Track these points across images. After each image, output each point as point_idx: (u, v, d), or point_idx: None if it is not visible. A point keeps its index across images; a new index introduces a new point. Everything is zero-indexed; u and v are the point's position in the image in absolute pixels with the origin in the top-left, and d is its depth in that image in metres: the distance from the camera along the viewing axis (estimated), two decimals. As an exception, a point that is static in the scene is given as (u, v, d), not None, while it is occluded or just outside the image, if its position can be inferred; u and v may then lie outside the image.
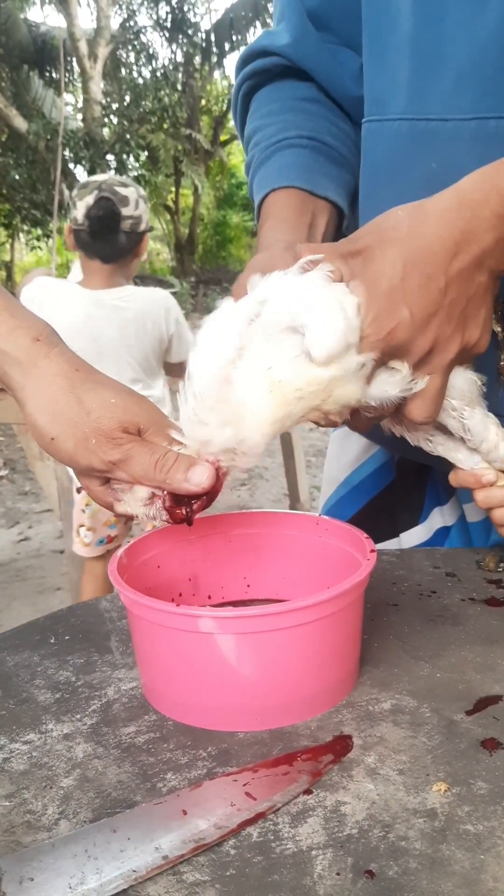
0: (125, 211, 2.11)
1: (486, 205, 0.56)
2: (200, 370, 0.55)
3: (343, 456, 0.96)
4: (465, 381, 0.62)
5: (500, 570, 0.78)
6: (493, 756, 0.50)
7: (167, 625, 0.54)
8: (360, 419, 0.61)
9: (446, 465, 0.67)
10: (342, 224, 0.82)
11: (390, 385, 0.57)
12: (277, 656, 0.54)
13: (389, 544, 0.91)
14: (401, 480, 0.91)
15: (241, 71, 0.88)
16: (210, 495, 0.59)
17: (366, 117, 0.77)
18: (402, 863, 0.42)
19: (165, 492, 0.59)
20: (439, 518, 0.89)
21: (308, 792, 0.48)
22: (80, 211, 2.11)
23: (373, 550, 0.60)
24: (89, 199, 2.09)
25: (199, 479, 0.56)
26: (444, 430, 0.65)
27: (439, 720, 0.54)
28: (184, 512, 0.59)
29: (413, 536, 0.90)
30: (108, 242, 2.10)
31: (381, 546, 0.90)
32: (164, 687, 0.57)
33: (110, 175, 2.27)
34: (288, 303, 0.54)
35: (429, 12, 0.69)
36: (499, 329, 0.65)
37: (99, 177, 2.20)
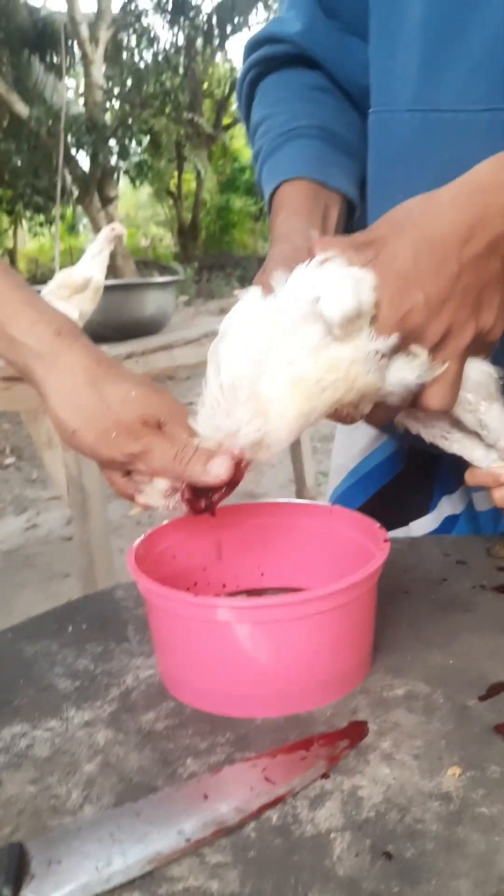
0: None
1: (500, 192, 0.56)
2: (229, 361, 0.55)
3: (351, 445, 0.97)
4: (480, 374, 0.62)
5: (511, 557, 0.79)
6: (506, 741, 0.51)
7: (185, 614, 0.55)
8: (378, 412, 0.61)
9: (456, 456, 0.68)
10: (353, 215, 0.82)
11: (408, 370, 0.57)
12: (293, 645, 0.55)
13: (399, 533, 0.92)
14: (409, 470, 0.92)
15: (248, 57, 0.87)
16: (230, 486, 0.59)
17: (373, 107, 0.77)
18: (419, 844, 0.43)
19: (185, 485, 0.59)
20: (448, 506, 0.90)
21: (325, 776, 0.49)
22: None
23: (386, 540, 0.61)
24: None
25: (217, 471, 0.57)
26: (460, 426, 0.65)
27: (452, 706, 0.55)
28: (203, 504, 0.60)
29: (422, 525, 0.91)
30: None
31: (390, 535, 0.91)
32: (182, 675, 0.58)
33: None
34: (305, 289, 0.54)
35: (440, 3, 0.68)
36: None
37: None
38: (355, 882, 0.41)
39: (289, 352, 0.55)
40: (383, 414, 0.61)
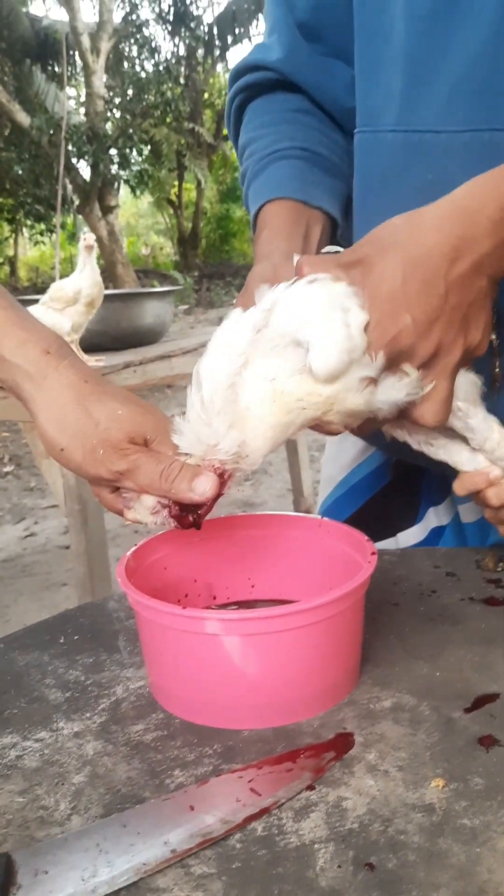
0: None
1: (482, 212, 0.57)
2: (209, 377, 0.56)
3: (340, 457, 0.97)
4: (467, 382, 0.63)
5: (500, 569, 0.79)
6: (490, 753, 0.52)
7: (174, 626, 0.56)
8: (365, 425, 0.61)
9: (441, 466, 0.68)
10: (335, 233, 0.83)
11: (397, 389, 0.58)
12: (281, 657, 0.56)
13: (387, 544, 0.93)
14: (397, 481, 0.93)
15: (233, 84, 0.89)
16: (213, 498, 0.60)
17: (358, 128, 0.78)
18: (401, 856, 0.43)
19: (171, 502, 0.60)
20: (434, 518, 0.91)
21: (311, 788, 0.50)
22: None
23: (374, 553, 0.61)
24: None
25: (203, 488, 0.58)
26: (446, 432, 0.66)
27: (438, 718, 0.56)
28: (191, 518, 0.61)
29: (409, 536, 0.92)
30: None
31: (378, 546, 0.91)
32: (171, 686, 0.59)
33: None
34: (292, 317, 0.55)
35: (422, 25, 0.69)
36: (494, 337, 0.67)
37: None
38: (337, 893, 0.41)
39: (271, 369, 0.56)
40: (369, 426, 0.62)
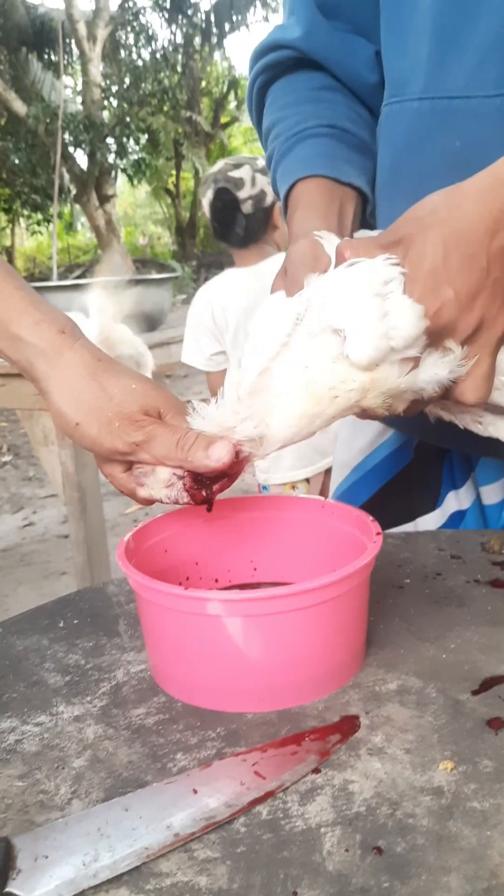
0: (242, 193, 2.13)
1: None
2: (248, 359, 0.57)
3: (355, 441, 0.96)
4: None
5: (505, 552, 0.78)
6: (499, 735, 0.51)
7: (176, 608, 0.55)
8: (409, 407, 0.60)
9: (469, 446, 0.67)
10: (366, 210, 0.82)
11: (440, 367, 0.57)
12: (285, 638, 0.54)
13: (405, 528, 0.91)
14: (418, 464, 0.91)
15: (254, 66, 0.88)
16: (230, 478, 0.60)
17: (385, 101, 0.77)
18: (410, 839, 0.42)
19: (186, 474, 0.60)
20: (454, 502, 0.90)
21: (316, 771, 0.48)
22: (206, 208, 2.16)
23: (378, 533, 0.60)
24: (209, 195, 2.15)
25: (218, 455, 0.58)
26: (492, 409, 0.65)
27: (445, 700, 0.55)
28: (204, 493, 0.60)
29: (429, 521, 0.90)
30: (234, 230, 2.15)
31: (396, 531, 0.91)
32: (172, 669, 0.58)
33: (222, 163, 2.27)
34: (331, 304, 0.55)
35: None
36: None
37: (213, 168, 2.22)
38: (345, 877, 0.40)
39: (306, 356, 0.56)
40: (415, 407, 0.61)
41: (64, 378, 0.60)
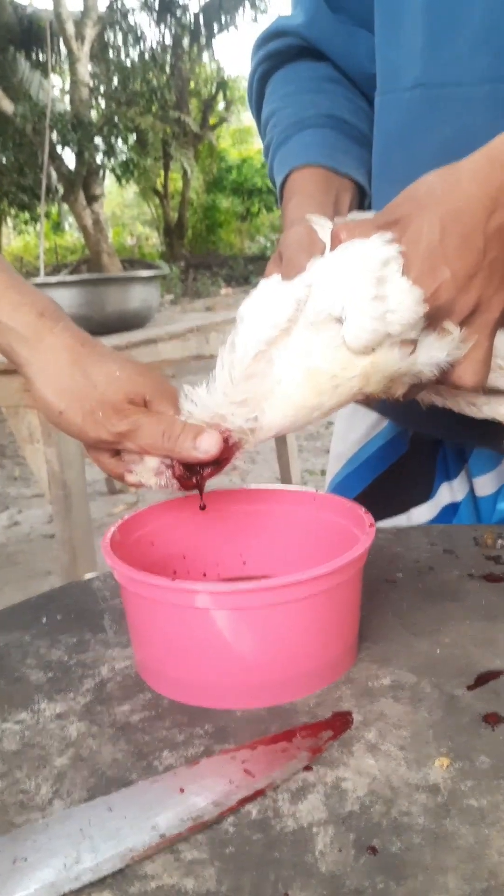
0: None
1: None
2: (243, 343, 0.55)
3: (350, 433, 0.95)
4: None
5: (499, 546, 0.77)
6: (496, 731, 0.49)
7: (162, 600, 0.53)
8: (408, 391, 0.59)
9: (463, 436, 0.66)
10: (363, 202, 0.81)
11: (438, 349, 0.56)
12: (275, 632, 0.53)
13: (399, 520, 0.90)
14: (412, 456, 0.90)
15: (256, 54, 0.88)
16: (220, 464, 0.59)
17: (378, 90, 0.77)
18: (406, 838, 0.41)
19: (175, 462, 0.59)
20: (448, 494, 0.89)
21: (308, 768, 0.47)
22: None
23: (371, 524, 0.59)
24: None
25: (206, 446, 0.57)
26: (486, 390, 0.64)
27: (440, 695, 0.53)
28: (194, 480, 0.59)
29: (422, 513, 0.90)
30: None
31: (389, 522, 0.90)
32: (159, 665, 0.56)
33: None
34: (329, 291, 0.53)
35: None
36: None
37: None
38: (338, 878, 0.38)
39: (307, 344, 0.54)
40: (414, 392, 0.60)
41: (46, 364, 0.58)
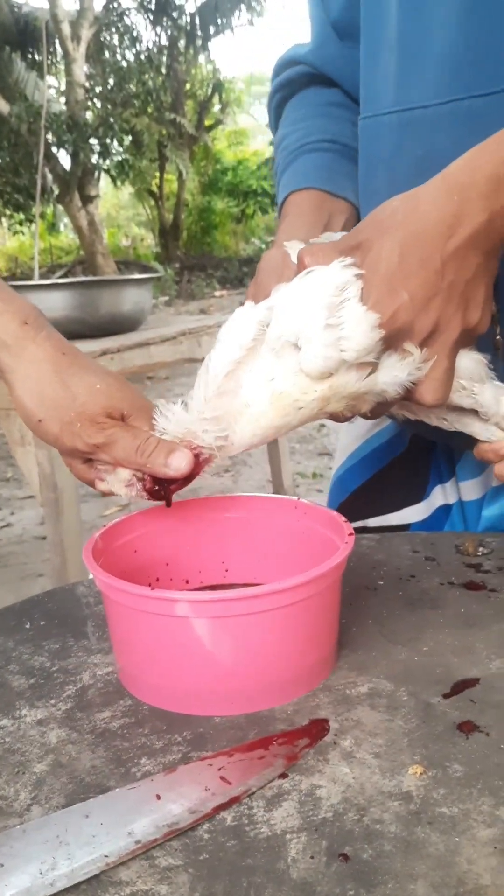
0: None
1: (474, 187, 0.56)
2: (215, 363, 0.57)
3: (356, 427, 0.97)
4: (471, 361, 0.63)
5: (480, 554, 0.78)
6: (470, 739, 0.50)
7: (142, 609, 0.53)
8: (375, 408, 0.61)
9: (452, 441, 0.67)
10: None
11: (399, 369, 0.57)
12: (254, 640, 0.53)
13: (391, 518, 0.92)
14: (409, 455, 0.92)
15: (273, 81, 0.93)
16: (188, 478, 0.61)
17: (361, 115, 0.79)
18: (377, 846, 0.41)
19: (146, 476, 0.61)
20: (440, 496, 0.90)
21: (283, 776, 0.47)
22: None
23: (351, 534, 0.59)
24: None
25: (178, 464, 0.59)
26: (456, 408, 0.65)
27: (416, 703, 0.54)
28: (163, 493, 0.61)
29: (414, 512, 0.91)
30: None
31: (383, 520, 0.91)
32: (139, 671, 0.56)
33: None
34: (288, 318, 0.55)
35: (410, 5, 0.71)
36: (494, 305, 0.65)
37: None
38: (309, 885, 0.39)
39: (271, 370, 0.56)
40: (380, 409, 0.62)
41: (28, 373, 0.59)
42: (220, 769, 0.48)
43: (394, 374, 0.57)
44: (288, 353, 0.56)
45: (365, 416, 0.62)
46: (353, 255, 0.57)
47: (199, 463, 0.60)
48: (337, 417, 0.61)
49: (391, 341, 0.56)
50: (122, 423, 0.61)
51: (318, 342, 0.54)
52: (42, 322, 0.62)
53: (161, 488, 0.61)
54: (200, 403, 0.58)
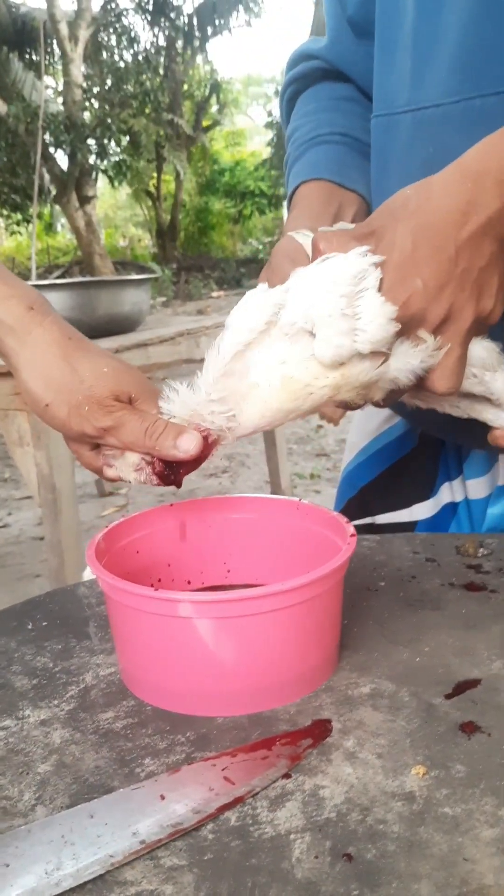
0: None
1: (488, 175, 0.56)
2: (225, 344, 0.57)
3: (367, 424, 0.97)
4: (483, 350, 0.63)
5: (480, 555, 0.78)
6: (472, 739, 0.50)
7: (145, 609, 0.53)
8: (386, 396, 0.61)
9: (461, 438, 0.67)
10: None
11: (412, 356, 0.57)
12: (256, 641, 0.54)
13: (401, 515, 0.92)
14: (418, 452, 0.92)
15: (286, 75, 0.93)
16: (197, 460, 0.60)
17: (374, 112, 0.79)
18: (381, 846, 0.42)
19: (155, 459, 0.60)
20: (448, 493, 0.90)
21: (287, 776, 0.48)
22: None
23: (353, 535, 0.59)
24: None
25: (187, 446, 0.58)
26: (469, 395, 0.65)
27: (418, 704, 0.54)
28: (173, 477, 0.61)
29: (423, 510, 0.91)
30: None
31: (391, 517, 0.92)
32: (142, 672, 0.57)
33: None
34: (302, 303, 0.55)
35: (425, 5, 0.71)
36: None
37: None
38: (313, 885, 0.39)
39: (283, 352, 0.56)
40: (393, 397, 0.61)
41: (34, 356, 0.59)
42: (223, 769, 0.48)
43: (406, 361, 0.57)
44: (302, 338, 0.55)
45: (377, 405, 0.61)
46: (366, 243, 0.56)
47: (207, 445, 0.59)
48: (349, 406, 0.60)
49: (404, 329, 0.56)
50: (130, 406, 0.60)
51: (333, 330, 0.53)
52: (48, 308, 0.62)
53: (171, 472, 0.60)
54: (208, 384, 0.57)
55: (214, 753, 0.50)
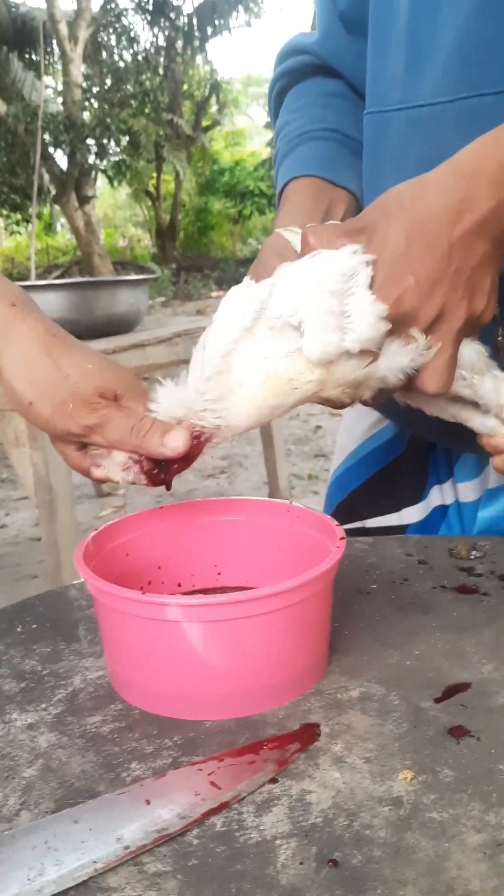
0: None
1: (483, 173, 0.56)
2: (212, 341, 0.56)
3: (356, 427, 0.97)
4: (472, 352, 0.62)
5: (472, 557, 0.78)
6: (460, 744, 0.50)
7: (133, 613, 0.53)
8: (375, 395, 0.60)
9: (451, 442, 0.67)
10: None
11: (402, 355, 0.56)
12: (245, 644, 0.53)
13: (390, 519, 0.91)
14: (408, 455, 0.92)
15: (275, 69, 0.92)
16: (189, 458, 0.59)
17: (367, 109, 0.79)
18: (366, 851, 0.41)
19: (143, 457, 0.59)
20: (438, 496, 0.90)
21: (273, 781, 0.47)
22: None
23: (342, 538, 0.59)
24: None
25: (174, 443, 0.57)
26: (457, 399, 0.65)
27: (407, 708, 0.54)
28: (162, 476, 0.60)
29: (413, 513, 0.91)
30: None
31: (381, 521, 0.91)
32: (130, 676, 0.56)
33: None
34: (289, 299, 0.54)
35: (420, 3, 0.71)
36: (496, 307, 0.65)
37: None
38: (298, 891, 0.39)
39: (267, 348, 0.55)
40: (381, 396, 0.60)
41: (17, 353, 0.58)
42: (210, 774, 0.48)
43: (396, 360, 0.56)
44: (286, 332, 0.55)
45: (366, 404, 0.61)
46: (357, 239, 0.56)
47: (200, 443, 0.58)
48: (335, 404, 0.59)
49: (395, 327, 0.55)
50: (116, 403, 0.59)
51: (322, 327, 0.53)
52: (31, 305, 0.60)
53: (160, 470, 0.59)
54: (198, 383, 0.56)
55: (201, 758, 0.50)
